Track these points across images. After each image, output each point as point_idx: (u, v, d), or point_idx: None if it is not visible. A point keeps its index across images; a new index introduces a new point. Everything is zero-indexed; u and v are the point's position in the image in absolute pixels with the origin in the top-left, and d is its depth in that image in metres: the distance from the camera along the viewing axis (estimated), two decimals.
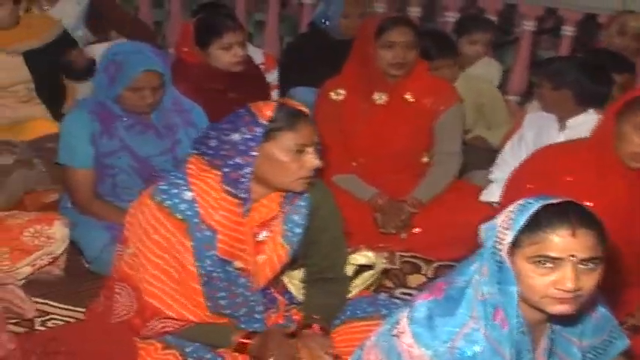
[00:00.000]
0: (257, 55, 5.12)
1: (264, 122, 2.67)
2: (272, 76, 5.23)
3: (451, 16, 6.01)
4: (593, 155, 3.19)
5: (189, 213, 2.72)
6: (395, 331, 2.20)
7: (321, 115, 4.07)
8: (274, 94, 5.19)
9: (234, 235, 2.74)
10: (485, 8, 5.75)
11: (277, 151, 2.68)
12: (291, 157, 2.68)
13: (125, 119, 3.64)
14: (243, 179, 2.69)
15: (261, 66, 5.02)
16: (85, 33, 5.48)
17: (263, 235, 2.84)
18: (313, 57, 5.41)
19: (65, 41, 4.71)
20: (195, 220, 2.73)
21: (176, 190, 2.74)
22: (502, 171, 4.02)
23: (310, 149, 2.70)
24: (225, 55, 4.27)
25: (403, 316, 2.21)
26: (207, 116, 3.82)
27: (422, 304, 2.20)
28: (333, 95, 4.11)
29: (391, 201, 3.97)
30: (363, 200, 3.99)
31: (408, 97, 4.07)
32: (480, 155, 4.50)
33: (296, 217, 2.86)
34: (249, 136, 2.68)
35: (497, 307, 2.10)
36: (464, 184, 4.22)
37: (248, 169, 2.68)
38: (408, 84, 4.05)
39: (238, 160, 2.68)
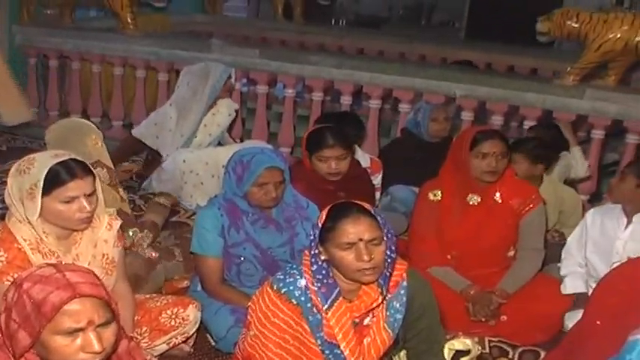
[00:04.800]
0: (364, 159, 5.16)
1: (320, 225, 2.73)
2: (377, 179, 5.24)
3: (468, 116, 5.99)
4: None
5: (302, 298, 2.77)
6: None
7: (420, 213, 4.12)
8: (377, 195, 5.20)
9: (334, 320, 2.75)
10: (560, 119, 5.63)
11: (333, 249, 2.71)
12: (344, 252, 2.69)
13: (250, 214, 3.65)
14: (322, 272, 2.75)
15: (367, 169, 4.99)
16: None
17: (367, 320, 2.85)
18: (407, 157, 5.44)
19: None
20: (308, 305, 2.77)
21: (291, 279, 2.79)
22: (570, 265, 4.05)
23: (361, 244, 2.67)
24: (321, 166, 4.27)
25: None
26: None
27: None
28: (431, 196, 4.07)
29: (481, 292, 3.90)
30: (456, 291, 3.92)
31: (497, 198, 4.02)
32: (557, 250, 4.34)
33: (397, 304, 2.85)
34: (312, 237, 2.76)
35: None
36: (544, 277, 4.11)
37: (318, 265, 2.74)
38: (497, 186, 4.01)
39: (312, 259, 2.76)
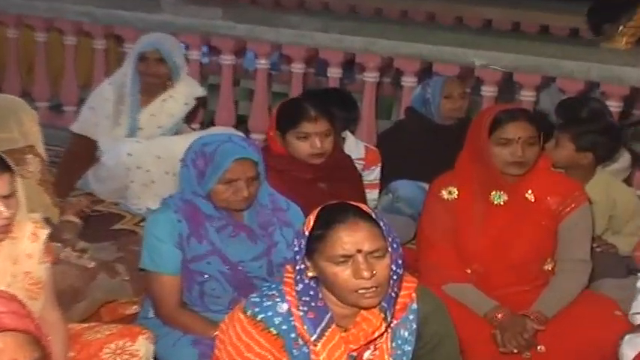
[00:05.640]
0: (358, 149, 5.19)
1: (306, 233, 2.72)
2: (374, 173, 5.26)
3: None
4: None
5: (284, 327, 2.76)
6: None
7: (432, 215, 4.12)
8: (375, 194, 5.21)
9: (325, 354, 2.75)
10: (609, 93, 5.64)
11: (323, 264, 2.69)
12: (338, 267, 2.67)
13: (215, 220, 3.64)
14: (309, 293, 2.74)
15: (359, 161, 5.05)
16: None
17: (368, 354, 2.84)
18: (413, 145, 5.50)
19: None
20: (292, 336, 2.76)
21: (270, 302, 2.79)
22: None
23: (360, 256, 2.66)
24: (302, 146, 4.30)
25: None
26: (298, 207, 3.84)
27: None
28: (445, 194, 4.07)
29: (512, 315, 3.87)
30: (479, 314, 3.91)
31: (529, 196, 4.02)
32: (607, 262, 4.38)
33: (405, 333, 2.85)
34: (295, 248, 2.75)
35: None
36: (594, 295, 4.10)
37: (304, 284, 2.74)
38: (529, 181, 4.02)
39: (297, 276, 2.76)
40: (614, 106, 5.54)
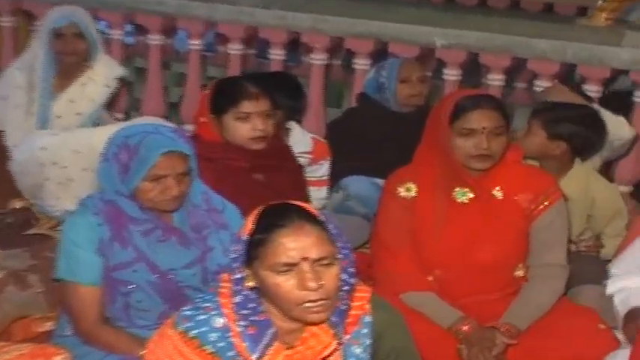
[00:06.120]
0: (305, 141, 5.22)
1: (244, 238, 2.72)
2: (322, 169, 5.31)
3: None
4: None
5: (221, 345, 2.75)
6: None
7: (388, 215, 4.13)
8: (324, 191, 5.22)
9: None
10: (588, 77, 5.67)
11: (264, 273, 2.70)
12: (281, 277, 2.67)
13: (141, 222, 3.61)
14: (249, 306, 2.75)
15: (306, 155, 5.09)
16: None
17: None
18: (366, 136, 5.52)
19: None
20: (230, 354, 2.75)
21: (204, 316, 2.79)
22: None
23: (306, 265, 2.66)
24: (242, 128, 4.32)
25: None
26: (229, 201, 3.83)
27: None
28: (402, 191, 4.08)
29: (479, 328, 3.89)
30: (442, 326, 3.92)
31: (497, 192, 4.05)
32: (585, 266, 4.41)
33: (358, 350, 2.86)
34: (233, 255, 2.75)
35: None
36: (573, 305, 4.13)
37: (243, 295, 2.74)
38: (495, 176, 4.04)
39: (234, 287, 2.76)
40: (593, 90, 5.54)
